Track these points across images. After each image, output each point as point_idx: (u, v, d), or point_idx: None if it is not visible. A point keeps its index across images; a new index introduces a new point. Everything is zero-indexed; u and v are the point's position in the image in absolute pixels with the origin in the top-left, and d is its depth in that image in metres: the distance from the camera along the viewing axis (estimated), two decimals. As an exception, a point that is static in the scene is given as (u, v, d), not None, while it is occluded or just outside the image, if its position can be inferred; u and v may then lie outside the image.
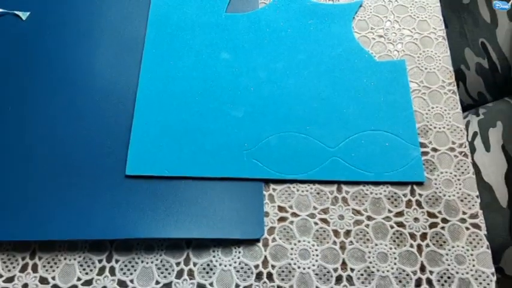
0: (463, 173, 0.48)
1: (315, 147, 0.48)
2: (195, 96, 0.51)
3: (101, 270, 0.44)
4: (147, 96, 0.51)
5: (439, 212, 0.46)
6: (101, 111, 0.50)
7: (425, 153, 0.49)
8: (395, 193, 0.47)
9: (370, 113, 0.50)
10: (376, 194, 0.47)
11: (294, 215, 0.46)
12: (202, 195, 0.46)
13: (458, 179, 0.48)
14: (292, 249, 0.45)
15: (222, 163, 0.47)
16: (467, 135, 0.49)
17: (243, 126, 0.49)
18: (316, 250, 0.45)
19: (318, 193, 0.47)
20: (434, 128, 0.51)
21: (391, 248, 0.45)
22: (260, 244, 0.45)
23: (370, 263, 0.44)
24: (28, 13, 0.57)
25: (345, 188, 0.47)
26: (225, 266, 0.44)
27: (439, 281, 0.43)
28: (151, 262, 0.44)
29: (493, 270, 0.43)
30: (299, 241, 0.45)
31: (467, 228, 0.46)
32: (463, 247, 0.45)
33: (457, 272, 0.44)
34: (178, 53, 0.54)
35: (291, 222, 0.46)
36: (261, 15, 0.57)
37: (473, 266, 0.44)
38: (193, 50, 0.54)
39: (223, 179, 0.46)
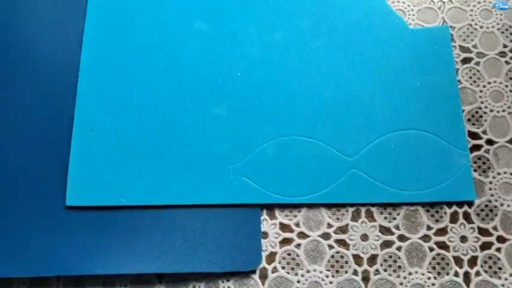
0: (527, 173, 0.43)
1: (328, 157, 0.41)
2: (158, 87, 0.43)
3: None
4: (90, 91, 0.43)
5: (494, 228, 0.40)
6: (32, 112, 0.43)
7: (477, 148, 0.42)
8: (436, 203, 0.40)
9: (402, 105, 0.42)
10: (410, 204, 0.40)
11: (302, 235, 0.40)
12: (175, 224, 0.39)
13: (522, 183, 0.43)
14: (299, 281, 0.39)
15: (200, 184, 0.40)
16: None
17: (227, 129, 0.42)
18: (331, 283, 0.39)
19: (333, 205, 0.41)
20: (491, 111, 0.43)
21: (429, 278, 0.39)
22: (256, 276, 0.39)
23: (402, 299, 0.41)
24: None
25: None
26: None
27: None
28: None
29: None
30: (308, 271, 0.39)
31: (530, 250, 0.41)
32: (524, 275, 0.41)
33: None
34: (132, 26, 0.45)
35: (298, 246, 0.40)
36: None
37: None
38: (154, 20, 0.45)
39: (202, 207, 0.40)
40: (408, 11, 0.45)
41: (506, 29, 0.44)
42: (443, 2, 0.46)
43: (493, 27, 0.44)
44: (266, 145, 0.41)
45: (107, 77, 0.43)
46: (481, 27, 0.44)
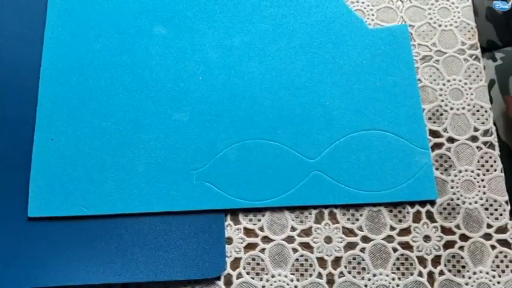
0: (488, 170, 0.41)
1: (290, 159, 0.40)
2: (118, 94, 0.42)
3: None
4: (51, 99, 0.42)
5: (457, 227, 0.39)
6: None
7: (438, 146, 0.42)
8: (399, 203, 0.40)
9: (363, 105, 0.42)
10: (373, 205, 0.40)
11: (266, 239, 0.40)
12: (137, 232, 0.39)
13: (483, 180, 0.41)
14: (264, 287, 0.38)
15: (162, 192, 0.39)
16: None
17: (189, 134, 0.41)
18: (295, 287, 0.38)
19: (297, 208, 0.40)
20: (451, 109, 0.43)
21: (393, 279, 0.38)
22: (221, 282, 0.39)
23: (367, 300, 0.40)
24: None
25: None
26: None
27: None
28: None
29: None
30: (273, 275, 0.39)
31: (493, 247, 0.39)
32: (487, 273, 0.38)
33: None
34: (94, 29, 0.44)
35: (262, 250, 0.39)
36: None
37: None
38: (113, 24, 0.44)
39: (164, 214, 0.39)
40: (367, 11, 0.44)
41: (464, 27, 0.44)
42: (402, 2, 0.45)
43: (451, 25, 0.44)
44: (228, 149, 0.40)
45: (67, 84, 0.42)
46: (440, 25, 0.44)
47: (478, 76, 0.42)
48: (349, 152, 0.40)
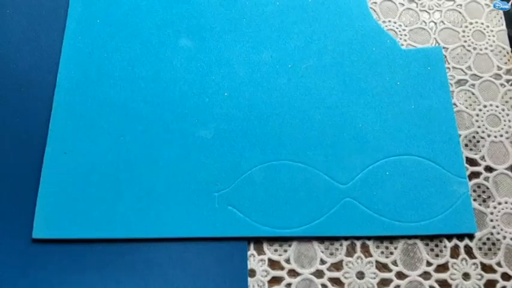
0: (530, 203, 0.40)
1: (320, 184, 0.37)
2: (138, 107, 0.39)
3: None
4: (66, 111, 0.39)
5: (498, 264, 0.36)
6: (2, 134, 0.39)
7: (475, 175, 0.39)
8: (435, 236, 0.37)
9: (397, 129, 0.39)
10: (408, 237, 0.37)
11: (293, 273, 0.36)
12: (153, 260, 0.35)
13: (524, 213, 0.40)
14: None
15: (181, 216, 0.36)
16: None
17: (213, 153, 0.38)
18: None
19: (326, 238, 0.37)
20: (489, 136, 0.41)
21: None
22: None
23: None
24: None
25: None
26: None
27: None
28: None
29: None
30: None
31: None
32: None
33: None
34: (114, 40, 0.42)
35: (288, 286, 0.36)
36: None
37: None
38: (137, 33, 0.42)
39: (182, 240, 0.36)
40: (400, 31, 0.43)
41: (500, 51, 0.42)
42: (435, 23, 0.43)
43: (486, 48, 0.42)
44: (254, 170, 0.37)
45: (83, 96, 0.39)
46: (474, 48, 0.42)
47: (515, 103, 0.41)
48: (383, 178, 0.37)
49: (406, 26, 0.43)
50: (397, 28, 0.43)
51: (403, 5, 0.44)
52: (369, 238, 0.36)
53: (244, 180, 0.37)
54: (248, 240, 0.36)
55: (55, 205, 0.36)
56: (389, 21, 0.43)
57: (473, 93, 0.41)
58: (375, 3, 0.44)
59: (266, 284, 0.35)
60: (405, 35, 0.43)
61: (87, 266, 0.35)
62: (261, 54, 0.41)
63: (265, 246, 0.36)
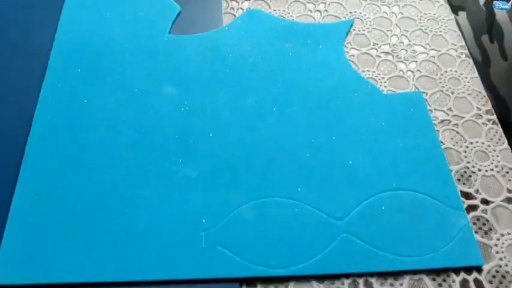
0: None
1: (314, 220, 0.35)
2: (117, 148, 0.38)
3: None
4: (40, 150, 0.38)
5: None
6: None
7: (473, 208, 0.38)
8: (442, 270, 0.34)
9: (388, 165, 0.39)
10: (413, 272, 0.34)
11: None
12: None
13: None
14: None
15: (164, 256, 0.33)
16: None
17: (198, 191, 0.36)
18: None
19: (326, 277, 0.34)
20: (479, 170, 0.40)
21: None
22: None
23: None
24: None
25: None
26: None
27: None
28: None
29: None
30: None
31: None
32: None
33: None
34: (95, 87, 0.42)
35: None
36: (218, 37, 0.46)
37: None
38: (119, 82, 0.42)
39: (166, 283, 0.32)
40: (379, 79, 0.44)
41: (477, 95, 0.43)
42: (412, 72, 0.45)
43: (463, 92, 0.43)
44: (243, 207, 0.35)
45: (60, 136, 0.38)
46: (452, 92, 0.43)
47: (500, 139, 0.41)
48: (380, 212, 0.35)
49: (385, 75, 0.44)
50: (376, 76, 0.44)
51: (379, 56, 0.46)
52: (371, 275, 0.33)
53: (233, 218, 0.34)
54: (240, 282, 0.32)
55: (22, 248, 0.32)
56: (368, 70, 0.45)
57: (457, 132, 0.41)
58: (353, 55, 0.46)
59: (262, 329, 0.31)
60: (385, 82, 0.44)
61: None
62: (245, 99, 0.41)
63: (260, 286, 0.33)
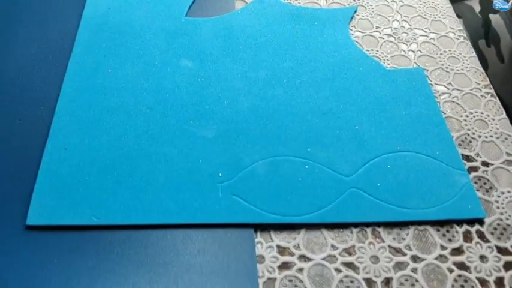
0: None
1: (324, 176, 0.37)
2: (140, 111, 0.41)
3: None
4: (69, 109, 0.41)
5: None
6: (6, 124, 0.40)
7: (474, 169, 0.40)
8: (445, 222, 0.36)
9: (392, 130, 0.41)
10: (418, 223, 0.36)
11: (304, 258, 0.34)
12: (153, 247, 0.33)
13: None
14: None
15: (184, 202, 0.35)
16: None
17: (214, 149, 0.38)
18: None
19: (335, 225, 0.36)
20: (479, 137, 0.43)
21: None
22: None
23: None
24: None
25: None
26: None
27: None
28: None
29: None
30: None
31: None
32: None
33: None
34: (119, 59, 0.45)
35: (300, 270, 0.33)
36: (231, 20, 0.50)
37: None
38: (141, 56, 0.46)
39: (186, 226, 0.34)
40: (382, 57, 0.47)
41: (475, 72, 0.46)
42: (414, 52, 0.47)
43: (462, 70, 0.46)
44: (257, 164, 0.37)
45: (87, 100, 0.41)
46: (452, 69, 0.46)
47: (498, 110, 0.43)
48: (386, 171, 0.37)
49: (388, 54, 0.47)
50: (379, 55, 0.47)
51: (382, 38, 0.49)
52: (378, 225, 0.35)
53: (248, 173, 0.37)
54: (255, 227, 0.34)
55: (52, 193, 0.35)
56: (372, 49, 0.48)
57: (458, 104, 0.43)
58: (357, 37, 0.49)
59: (276, 270, 0.32)
60: (388, 60, 0.47)
61: (83, 253, 0.32)
62: (257, 72, 0.44)
63: (273, 234, 0.34)
